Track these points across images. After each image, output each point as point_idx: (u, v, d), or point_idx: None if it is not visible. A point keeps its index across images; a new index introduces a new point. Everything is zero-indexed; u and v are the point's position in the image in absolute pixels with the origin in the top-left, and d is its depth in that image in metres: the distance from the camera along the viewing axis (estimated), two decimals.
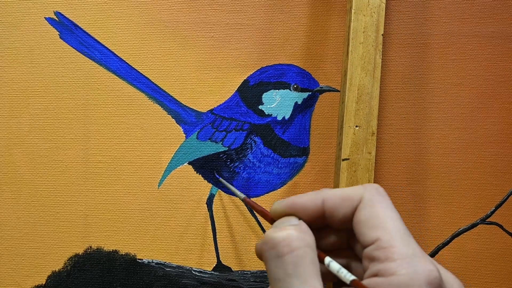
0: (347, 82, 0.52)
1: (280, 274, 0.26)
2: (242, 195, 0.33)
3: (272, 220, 0.31)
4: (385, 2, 0.52)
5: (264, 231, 0.60)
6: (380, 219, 0.27)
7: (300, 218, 0.29)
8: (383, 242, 0.26)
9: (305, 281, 0.26)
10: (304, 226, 0.28)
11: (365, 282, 0.26)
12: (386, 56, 0.60)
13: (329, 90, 0.60)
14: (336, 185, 0.54)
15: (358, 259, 0.30)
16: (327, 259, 0.28)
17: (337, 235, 0.30)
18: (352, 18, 0.52)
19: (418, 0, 0.60)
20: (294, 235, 0.27)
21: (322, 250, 0.30)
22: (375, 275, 0.26)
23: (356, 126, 0.52)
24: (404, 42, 0.61)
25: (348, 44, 0.53)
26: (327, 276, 0.29)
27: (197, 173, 0.59)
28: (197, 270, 0.59)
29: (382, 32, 0.53)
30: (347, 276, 0.26)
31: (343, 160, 0.52)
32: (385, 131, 0.60)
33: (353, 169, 0.53)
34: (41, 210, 0.57)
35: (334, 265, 0.27)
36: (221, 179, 0.47)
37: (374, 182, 0.54)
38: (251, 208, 0.33)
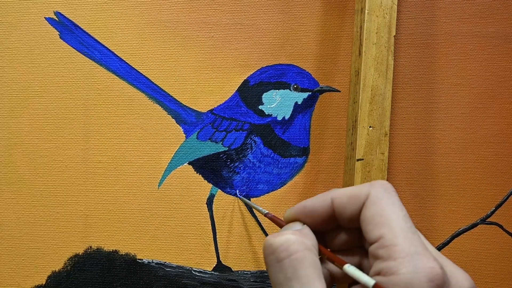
0: (361, 82, 0.53)
1: (281, 278, 0.26)
2: (264, 211, 0.34)
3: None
4: (396, 3, 0.53)
5: (264, 231, 0.60)
6: (385, 216, 0.27)
7: (304, 223, 0.29)
8: (386, 240, 0.26)
9: (305, 284, 0.26)
10: (306, 230, 0.28)
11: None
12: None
13: (329, 90, 0.60)
14: (347, 185, 0.54)
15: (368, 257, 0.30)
16: (346, 266, 0.27)
17: (348, 234, 0.30)
18: (365, 19, 0.52)
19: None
20: (292, 239, 0.27)
21: (335, 250, 0.30)
22: (378, 273, 0.26)
23: (370, 127, 0.52)
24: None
25: (361, 45, 0.53)
26: (342, 279, 0.29)
27: (197, 173, 0.59)
28: (197, 270, 0.59)
29: (394, 34, 0.53)
30: (368, 281, 0.26)
31: (358, 160, 0.52)
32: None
33: (367, 170, 0.53)
34: (41, 210, 0.57)
35: (353, 270, 0.27)
36: (240, 197, 0.49)
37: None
38: (274, 222, 0.33)
